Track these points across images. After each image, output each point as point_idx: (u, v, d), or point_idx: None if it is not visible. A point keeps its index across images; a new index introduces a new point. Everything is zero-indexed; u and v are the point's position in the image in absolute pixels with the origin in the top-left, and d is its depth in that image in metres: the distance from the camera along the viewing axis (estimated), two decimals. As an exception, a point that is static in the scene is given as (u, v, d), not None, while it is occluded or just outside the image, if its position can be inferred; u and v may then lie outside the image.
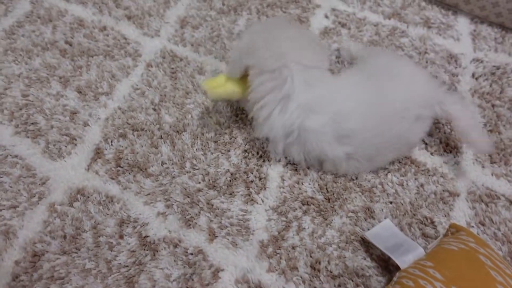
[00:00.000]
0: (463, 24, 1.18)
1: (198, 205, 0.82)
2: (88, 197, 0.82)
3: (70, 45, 1.07)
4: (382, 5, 1.21)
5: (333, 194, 0.84)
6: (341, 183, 0.86)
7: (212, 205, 0.82)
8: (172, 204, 0.82)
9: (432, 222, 0.82)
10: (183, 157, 0.88)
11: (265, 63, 0.76)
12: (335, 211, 0.82)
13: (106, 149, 0.89)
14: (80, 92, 0.98)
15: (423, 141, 0.93)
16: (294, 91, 0.76)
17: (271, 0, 1.20)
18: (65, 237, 0.77)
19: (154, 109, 0.96)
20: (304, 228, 0.80)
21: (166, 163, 0.88)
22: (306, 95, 0.77)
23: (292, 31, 0.83)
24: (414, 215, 0.83)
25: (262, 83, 0.76)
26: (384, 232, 0.77)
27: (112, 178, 0.85)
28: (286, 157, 0.88)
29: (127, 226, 0.78)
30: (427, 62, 1.08)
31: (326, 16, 1.17)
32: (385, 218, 0.82)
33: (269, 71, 0.76)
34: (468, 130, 0.82)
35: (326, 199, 0.84)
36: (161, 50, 1.07)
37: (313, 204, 0.83)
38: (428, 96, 0.83)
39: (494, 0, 1.12)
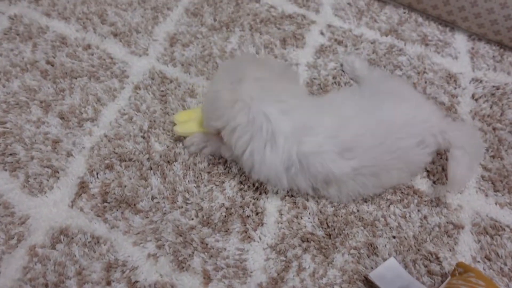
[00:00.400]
0: (460, 42, 1.15)
1: (192, 244, 0.77)
2: (72, 238, 0.76)
3: (52, 65, 1.00)
4: (379, 21, 1.17)
5: (334, 229, 0.80)
6: (342, 216, 0.82)
7: (207, 244, 0.77)
8: (164, 244, 0.77)
9: (437, 258, 0.78)
10: (175, 191, 0.83)
11: (234, 120, 0.73)
12: (337, 248, 0.78)
13: (91, 183, 0.83)
14: (63, 118, 0.92)
15: (425, 168, 0.90)
16: (275, 127, 0.72)
17: (264, 15, 1.15)
18: (47, 285, 0.71)
19: (143, 137, 0.90)
20: (305, 268, 0.76)
21: (156, 198, 0.82)
22: (290, 123, 0.73)
23: (258, 69, 0.78)
24: (418, 250, 0.79)
25: (240, 137, 0.73)
26: (389, 272, 0.73)
27: (98, 216, 0.79)
28: (290, 189, 0.83)
29: (115, 271, 0.73)
30: (426, 82, 1.05)
31: (322, 33, 1.13)
32: (388, 255, 0.78)
33: (241, 125, 0.73)
34: (457, 166, 0.79)
35: (327, 235, 0.80)
36: (150, 71, 1.01)
37: (314, 241, 0.78)
38: (430, 122, 0.81)
39: (492, 18, 1.09)
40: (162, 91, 0.98)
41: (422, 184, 0.87)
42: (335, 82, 1.03)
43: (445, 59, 1.10)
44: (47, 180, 0.83)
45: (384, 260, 0.77)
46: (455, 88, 1.04)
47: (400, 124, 0.78)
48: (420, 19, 1.19)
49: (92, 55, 1.03)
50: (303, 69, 1.05)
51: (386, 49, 1.10)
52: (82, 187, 0.83)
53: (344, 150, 0.74)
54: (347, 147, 0.74)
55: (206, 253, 0.76)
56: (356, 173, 0.76)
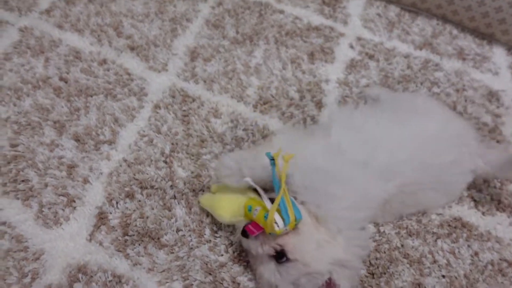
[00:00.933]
0: (500, 56, 1.08)
1: (223, 284, 0.70)
2: (92, 276, 0.70)
3: (66, 82, 0.93)
4: (411, 33, 1.10)
5: (378, 267, 0.73)
6: (385, 252, 0.75)
7: (239, 284, 0.70)
8: (192, 284, 0.70)
9: (492, 300, 0.71)
10: (202, 222, 0.76)
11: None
12: (381, 288, 0.71)
13: (110, 213, 0.76)
14: (78, 140, 0.85)
15: (472, 198, 0.82)
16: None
17: (289, 27, 1.08)
18: (64, 333, 0.64)
19: (165, 162, 0.83)
20: (348, 311, 0.68)
21: (181, 230, 0.75)
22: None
23: None
24: (471, 291, 0.72)
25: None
26: (442, 319, 0.66)
27: (119, 251, 0.72)
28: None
29: (140, 316, 0.66)
30: (466, 100, 0.98)
31: (351, 46, 1.06)
32: (439, 297, 0.71)
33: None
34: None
35: (370, 273, 0.72)
36: (170, 88, 0.94)
37: (356, 281, 0.71)
38: (463, 139, 0.76)
39: (535, 31, 1.02)
40: (184, 110, 0.91)
41: (471, 216, 0.80)
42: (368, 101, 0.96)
43: (484, 75, 1.03)
44: (63, 210, 0.76)
45: (435, 303, 0.70)
46: (498, 107, 0.97)
47: (432, 139, 0.73)
48: (454, 31, 1.12)
49: (108, 70, 0.96)
50: (334, 86, 0.98)
51: (421, 64, 1.03)
52: (101, 218, 0.76)
53: (383, 173, 0.69)
54: (384, 170, 0.69)
55: None
56: (398, 190, 0.71)
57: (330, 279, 0.62)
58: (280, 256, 0.62)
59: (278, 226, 0.60)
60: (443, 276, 0.73)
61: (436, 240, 0.76)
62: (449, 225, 0.78)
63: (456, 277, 0.73)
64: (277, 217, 0.60)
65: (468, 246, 0.76)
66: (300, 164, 0.66)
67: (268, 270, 0.63)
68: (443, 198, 0.78)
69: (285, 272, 0.62)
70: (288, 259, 0.61)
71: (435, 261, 0.74)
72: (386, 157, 0.69)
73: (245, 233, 0.63)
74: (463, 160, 0.75)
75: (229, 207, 0.69)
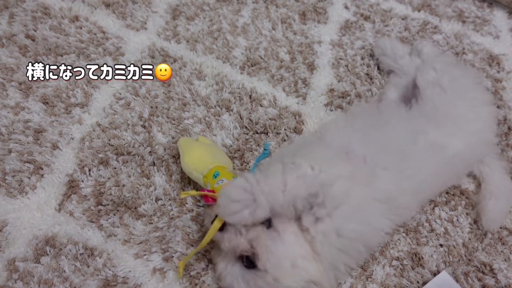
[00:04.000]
0: (500, 19, 1.02)
1: (206, 256, 0.64)
2: (61, 249, 0.63)
3: (33, 40, 0.84)
4: (409, -6, 1.03)
5: (373, 236, 0.68)
6: (380, 221, 0.70)
7: (223, 255, 0.65)
8: (172, 256, 0.64)
9: (492, 270, 0.67)
10: (183, 191, 0.70)
11: None
12: (376, 259, 0.67)
13: (82, 181, 0.69)
14: (47, 103, 0.77)
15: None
16: None
17: (280, -15, 1.00)
18: (30, 310, 0.58)
19: (144, 126, 0.76)
20: (340, 283, 0.64)
21: (161, 199, 0.69)
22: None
23: None
24: (470, 260, 0.68)
25: None
26: (441, 290, 0.62)
27: (92, 222, 0.66)
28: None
29: (114, 291, 0.60)
30: (465, 64, 0.92)
31: (346, 7, 0.99)
32: (436, 266, 0.66)
33: None
34: (490, 212, 0.70)
35: (364, 243, 0.68)
36: (149, 48, 0.86)
37: (349, 251, 0.67)
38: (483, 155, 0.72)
39: (539, -8, 0.96)
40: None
41: (470, 183, 0.76)
42: (363, 64, 0.89)
43: (485, 38, 0.97)
44: (29, 178, 0.69)
45: (432, 273, 0.66)
46: (498, 72, 0.92)
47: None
48: (454, -7, 1.05)
49: (81, 28, 0.87)
50: (327, 47, 0.91)
51: (419, 26, 0.97)
52: (72, 186, 0.69)
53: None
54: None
55: (223, 268, 0.63)
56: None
57: None
58: (249, 261, 0.53)
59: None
60: (441, 245, 0.69)
61: (433, 208, 0.72)
62: (447, 193, 0.74)
63: (454, 246, 0.69)
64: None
65: (467, 214, 0.72)
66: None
67: (232, 273, 0.55)
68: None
69: (251, 281, 0.53)
70: (257, 267, 0.53)
71: (432, 230, 0.70)
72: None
73: (222, 227, 0.54)
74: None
75: (198, 159, 0.63)
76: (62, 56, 0.83)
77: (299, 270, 0.53)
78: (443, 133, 0.64)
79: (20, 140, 0.72)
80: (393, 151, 0.61)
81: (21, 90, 0.78)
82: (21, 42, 0.84)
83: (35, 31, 0.86)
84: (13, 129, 0.73)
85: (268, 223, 0.55)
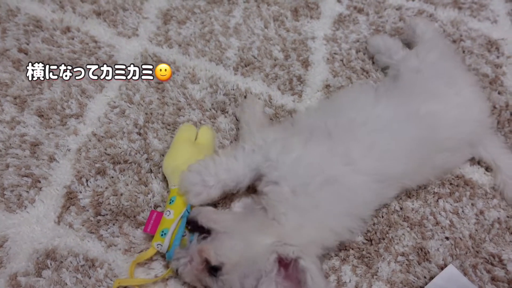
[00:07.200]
0: (498, 3, 1.00)
1: (207, 261, 0.63)
2: (62, 262, 0.63)
3: (26, 53, 0.84)
4: (403, -17, 1.02)
5: (376, 233, 0.67)
6: (383, 217, 0.69)
7: (225, 260, 0.64)
8: (173, 263, 0.63)
9: (501, 261, 0.66)
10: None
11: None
12: (381, 255, 0.65)
13: (80, 192, 0.69)
14: (42, 115, 0.77)
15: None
16: None
17: (271, -17, 0.99)
18: (33, 325, 0.58)
19: (139, 133, 0.76)
20: (345, 282, 0.63)
21: (160, 206, 0.69)
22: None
23: None
24: (477, 252, 0.66)
25: None
26: (449, 283, 0.60)
27: (92, 232, 0.66)
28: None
29: (116, 301, 0.60)
30: (464, 51, 0.90)
31: (339, 1, 0.97)
32: (443, 260, 0.65)
33: None
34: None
35: (367, 240, 0.67)
36: (142, 54, 0.86)
37: (353, 248, 0.66)
38: (474, 134, 0.69)
39: (536, -27, 0.94)
40: (158, 77, 0.83)
41: (473, 172, 0.74)
42: (358, 58, 0.88)
43: (483, 23, 0.96)
44: (27, 192, 0.69)
45: (439, 267, 0.65)
46: (498, 57, 0.90)
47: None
48: (449, -21, 1.03)
49: (73, 39, 0.87)
50: (321, 43, 0.90)
51: (414, 15, 0.95)
52: (70, 198, 0.69)
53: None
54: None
55: (225, 272, 0.63)
56: None
57: (278, 256, 0.52)
58: (212, 269, 0.53)
59: (160, 247, 0.59)
60: (447, 238, 0.67)
61: (437, 201, 0.71)
62: (450, 184, 0.72)
63: (461, 238, 0.67)
64: (167, 240, 0.59)
65: (472, 204, 0.71)
66: None
67: None
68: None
69: (223, 283, 0.53)
70: (218, 268, 0.53)
71: (437, 223, 0.69)
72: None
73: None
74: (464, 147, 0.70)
75: (175, 168, 0.66)
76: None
77: (256, 244, 0.53)
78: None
79: (17, 154, 0.72)
80: (358, 124, 0.62)
81: (16, 104, 0.78)
82: (14, 56, 0.84)
83: (28, 44, 0.86)
84: (10, 144, 0.73)
85: (206, 232, 0.57)
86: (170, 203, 0.63)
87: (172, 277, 0.63)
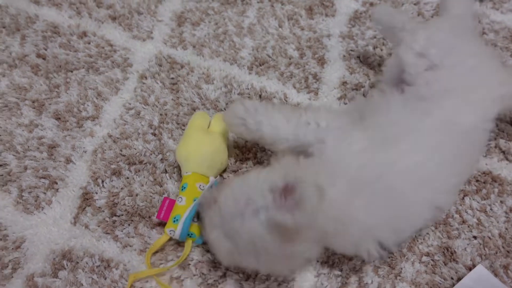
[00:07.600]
0: (521, -6, 0.96)
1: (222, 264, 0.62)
2: (78, 262, 0.63)
3: (44, 58, 0.86)
4: (420, -23, 0.99)
5: (398, 232, 0.64)
6: (406, 215, 0.66)
7: (241, 260, 0.62)
8: (189, 264, 0.62)
9: (534, 261, 0.62)
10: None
11: None
12: (404, 255, 0.63)
13: (96, 193, 0.69)
14: (59, 118, 0.78)
15: (500, 148, 0.72)
16: None
17: (284, -17, 0.98)
18: (49, 325, 0.57)
19: (154, 134, 0.76)
20: (367, 283, 0.60)
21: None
22: None
23: None
24: (508, 252, 0.63)
25: None
26: (478, 285, 0.57)
27: (107, 233, 0.65)
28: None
29: (132, 302, 0.59)
30: (487, 45, 0.87)
31: (354, -3, 0.96)
32: (471, 261, 0.62)
33: None
34: None
35: (390, 240, 0.64)
36: (157, 56, 0.86)
37: (374, 249, 0.63)
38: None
39: (561, -39, 0.90)
40: (173, 78, 0.83)
41: (502, 168, 0.70)
42: (376, 54, 0.86)
43: (506, 16, 0.92)
44: (44, 193, 0.69)
45: (467, 267, 0.61)
46: (524, 49, 0.86)
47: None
48: (468, -28, 1.00)
49: (89, 43, 0.88)
50: (337, 40, 0.88)
51: (433, 10, 0.93)
52: (86, 199, 0.69)
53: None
54: None
55: (241, 274, 0.61)
56: None
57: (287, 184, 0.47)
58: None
59: (173, 233, 0.60)
60: (475, 237, 0.64)
61: (463, 198, 0.67)
62: (477, 181, 0.69)
63: (490, 237, 0.64)
64: (179, 226, 0.59)
65: (501, 202, 0.67)
66: None
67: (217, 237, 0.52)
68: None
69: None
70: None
71: (464, 222, 0.65)
72: None
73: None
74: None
75: (188, 153, 0.66)
76: (72, 71, 0.84)
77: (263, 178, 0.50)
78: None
79: (35, 156, 0.73)
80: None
81: (34, 108, 0.79)
82: (33, 61, 0.85)
83: (46, 49, 0.87)
84: (28, 146, 0.74)
85: None
86: (182, 189, 0.63)
87: (187, 278, 0.61)
